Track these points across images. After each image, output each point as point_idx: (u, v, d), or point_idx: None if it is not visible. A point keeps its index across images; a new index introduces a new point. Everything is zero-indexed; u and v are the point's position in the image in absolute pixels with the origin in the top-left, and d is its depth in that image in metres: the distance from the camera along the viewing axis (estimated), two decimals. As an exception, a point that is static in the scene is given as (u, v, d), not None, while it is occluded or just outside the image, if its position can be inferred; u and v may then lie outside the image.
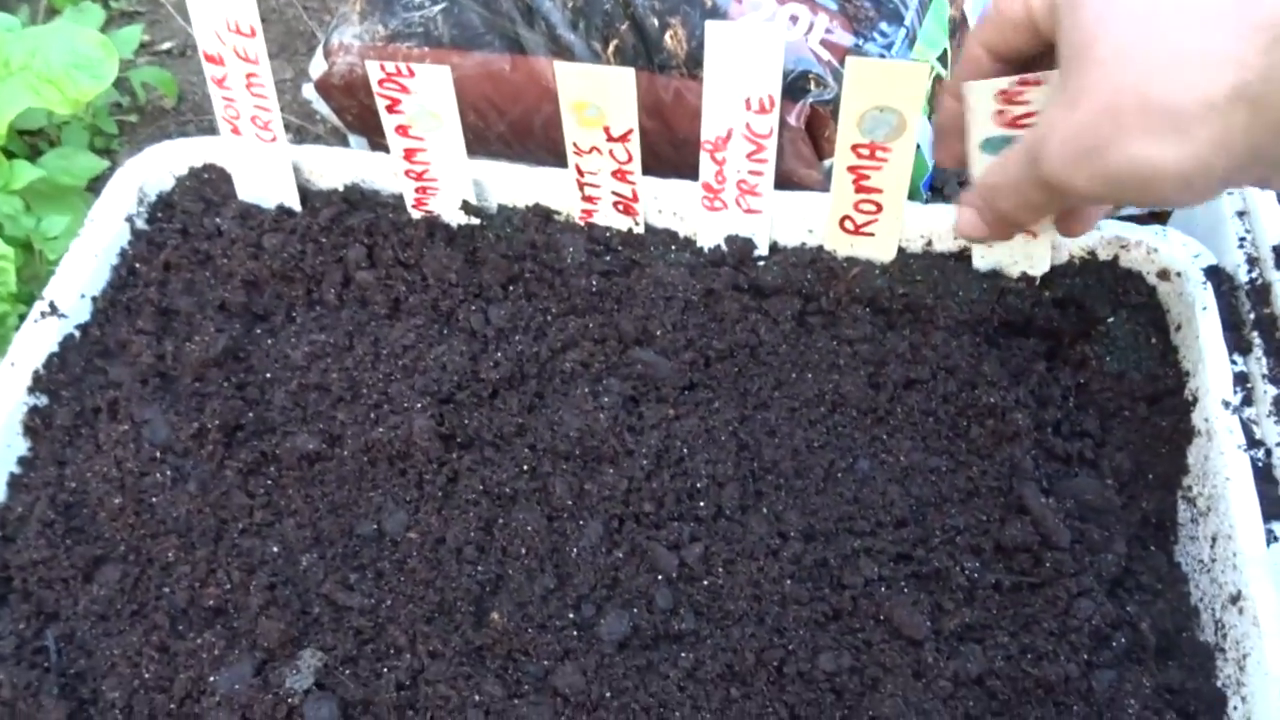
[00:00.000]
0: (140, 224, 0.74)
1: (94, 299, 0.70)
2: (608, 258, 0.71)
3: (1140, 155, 0.45)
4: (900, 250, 0.69)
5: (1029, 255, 0.67)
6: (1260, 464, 0.59)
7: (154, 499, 0.62)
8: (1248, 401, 0.61)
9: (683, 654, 0.56)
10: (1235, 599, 0.55)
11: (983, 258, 0.68)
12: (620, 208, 0.71)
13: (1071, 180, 0.48)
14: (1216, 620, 0.56)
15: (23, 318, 0.68)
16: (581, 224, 0.72)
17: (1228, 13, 0.43)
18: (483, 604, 0.58)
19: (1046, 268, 0.67)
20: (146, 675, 0.56)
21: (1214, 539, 0.58)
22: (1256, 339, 0.63)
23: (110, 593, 0.59)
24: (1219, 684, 0.55)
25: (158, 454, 0.63)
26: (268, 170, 0.73)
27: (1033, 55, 0.56)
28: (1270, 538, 0.57)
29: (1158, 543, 0.61)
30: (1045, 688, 0.54)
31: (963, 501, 0.61)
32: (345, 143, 0.96)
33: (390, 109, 0.66)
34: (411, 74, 0.63)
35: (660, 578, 0.58)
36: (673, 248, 0.72)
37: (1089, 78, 0.46)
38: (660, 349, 0.66)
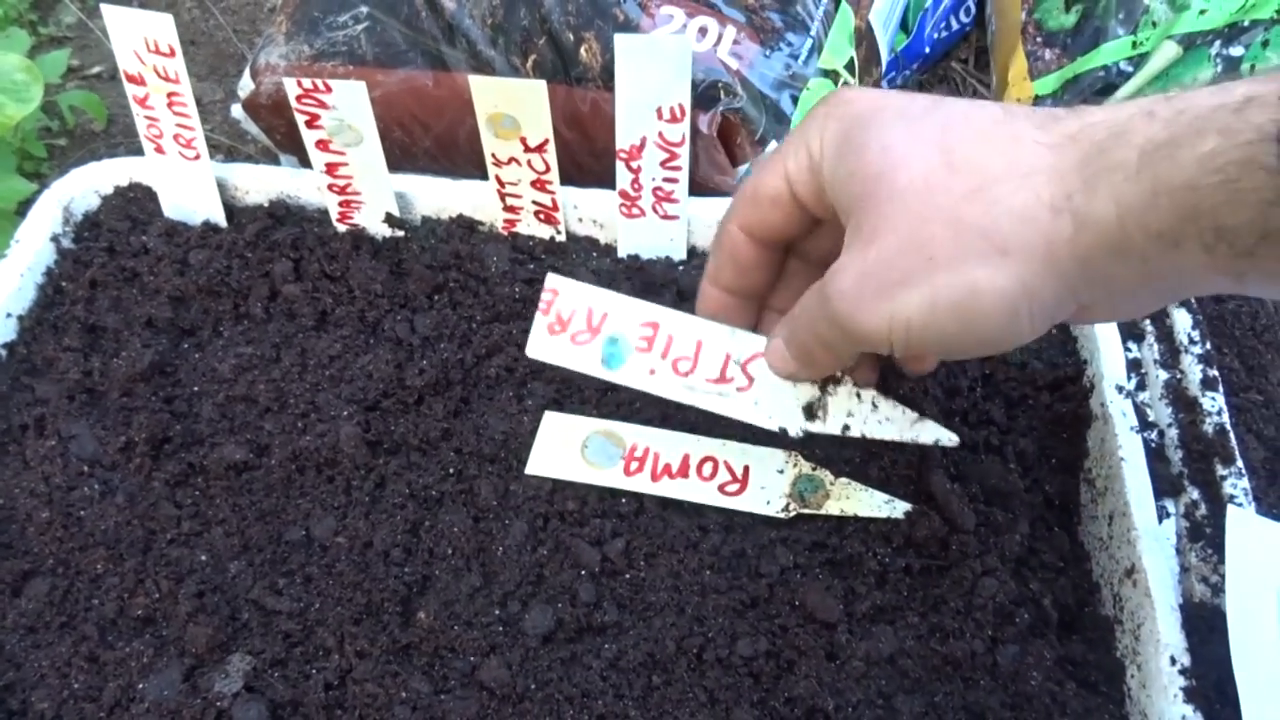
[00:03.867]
0: (67, 243, 0.75)
1: (20, 318, 0.71)
2: (530, 266, 0.72)
3: (957, 283, 0.39)
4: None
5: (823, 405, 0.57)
6: (1153, 444, 0.63)
7: (82, 512, 0.62)
8: (1141, 386, 0.65)
9: (605, 645, 0.57)
10: (1130, 572, 0.58)
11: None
12: (541, 217, 0.72)
13: (862, 322, 0.42)
14: (1115, 594, 0.59)
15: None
16: (504, 234, 0.74)
17: (1032, 132, 0.39)
18: (410, 604, 0.59)
19: (836, 429, 0.57)
20: (76, 685, 0.56)
21: (1111, 517, 0.61)
22: (1149, 326, 0.67)
23: (39, 605, 0.59)
24: (1118, 654, 0.58)
25: (85, 468, 0.64)
26: (192, 187, 0.74)
27: (796, 236, 0.52)
28: (1162, 514, 0.60)
29: (1061, 523, 0.64)
30: (953, 664, 0.56)
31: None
32: (276, 162, 0.97)
33: (310, 124, 0.67)
34: (328, 89, 0.65)
35: (583, 573, 0.60)
36: (594, 254, 0.74)
37: (885, 211, 0.41)
38: (582, 352, 0.68)
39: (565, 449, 0.63)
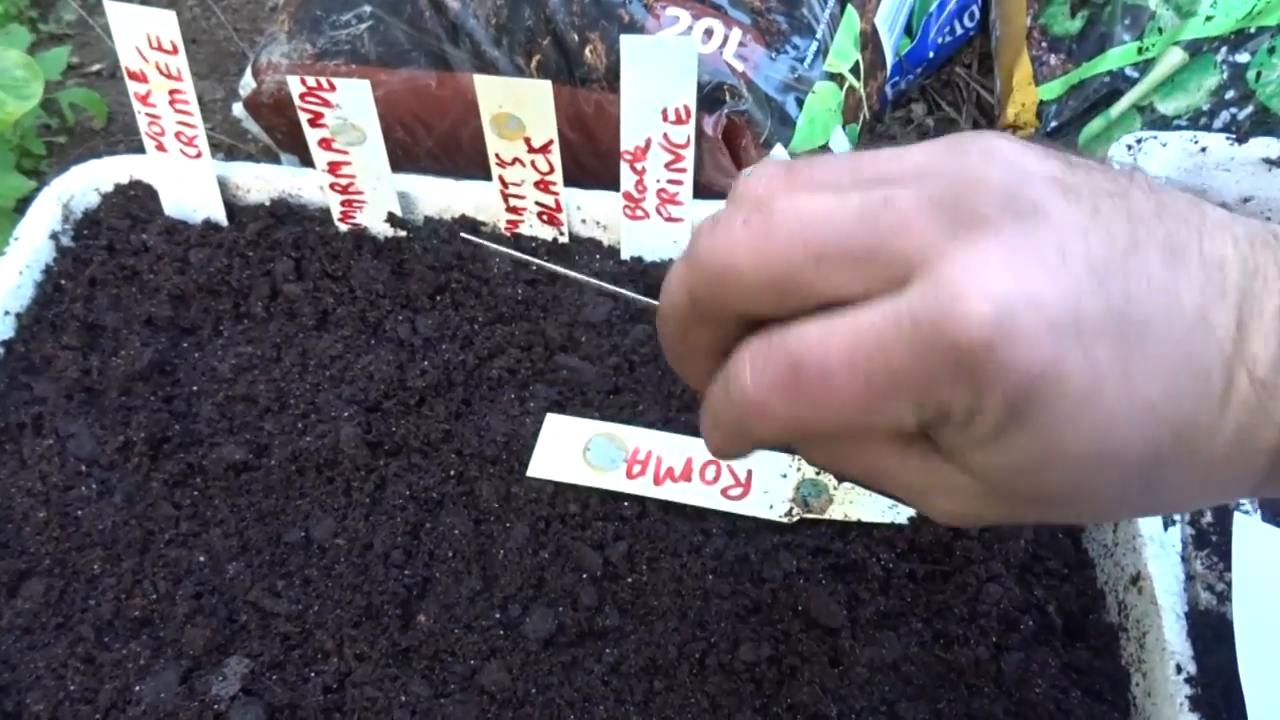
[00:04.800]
0: (66, 241, 0.74)
1: (18, 315, 0.70)
2: (533, 267, 0.72)
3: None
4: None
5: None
6: (1158, 451, 0.62)
7: (79, 512, 0.62)
8: (1147, 393, 0.64)
9: (607, 650, 0.57)
10: (1135, 580, 0.57)
11: None
12: (544, 218, 0.72)
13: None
14: (1120, 601, 0.59)
15: (-55, 336, 0.68)
16: (507, 234, 0.74)
17: None
18: (410, 607, 0.59)
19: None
20: (71, 687, 0.56)
21: (1116, 523, 0.60)
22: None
23: (35, 606, 0.59)
24: (1123, 662, 0.57)
25: (83, 467, 0.63)
26: (193, 186, 0.73)
27: None
28: (1168, 520, 0.59)
29: (1065, 529, 0.63)
30: (957, 671, 0.56)
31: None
32: (277, 161, 0.96)
33: (313, 123, 0.67)
34: (332, 88, 0.64)
35: (585, 576, 0.59)
36: (597, 256, 0.73)
37: None
38: (585, 355, 0.68)
39: (567, 451, 0.62)
